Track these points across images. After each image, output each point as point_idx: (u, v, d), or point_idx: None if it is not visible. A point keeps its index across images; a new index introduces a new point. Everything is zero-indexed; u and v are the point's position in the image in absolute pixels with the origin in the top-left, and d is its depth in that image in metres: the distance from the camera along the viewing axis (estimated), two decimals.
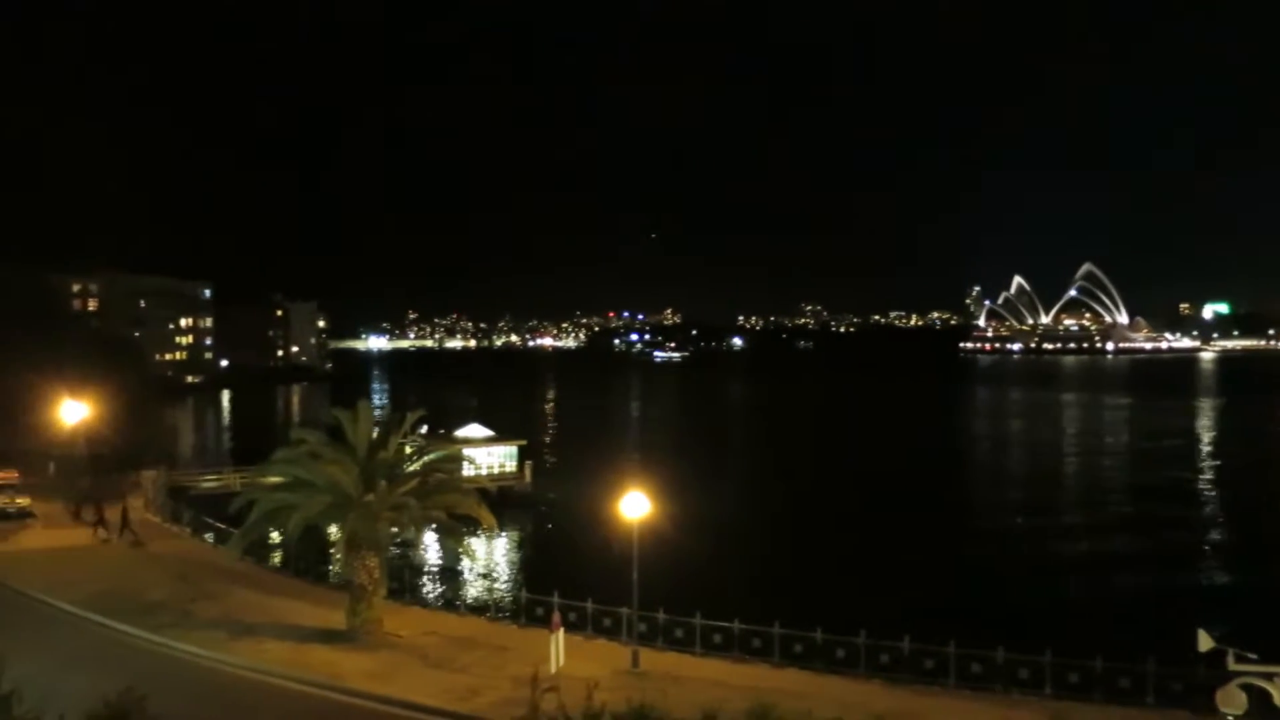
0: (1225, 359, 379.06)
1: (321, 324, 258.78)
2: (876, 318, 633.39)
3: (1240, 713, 14.77)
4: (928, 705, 22.93)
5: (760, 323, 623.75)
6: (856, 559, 47.77)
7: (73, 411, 47.77)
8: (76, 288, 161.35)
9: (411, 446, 30.32)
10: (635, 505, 25.35)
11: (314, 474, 27.57)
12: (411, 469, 28.98)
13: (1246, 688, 14.65)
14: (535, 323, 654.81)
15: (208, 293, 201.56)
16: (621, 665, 24.76)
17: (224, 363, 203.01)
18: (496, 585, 45.11)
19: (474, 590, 44.08)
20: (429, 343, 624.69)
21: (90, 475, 48.05)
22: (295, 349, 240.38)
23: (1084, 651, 23.37)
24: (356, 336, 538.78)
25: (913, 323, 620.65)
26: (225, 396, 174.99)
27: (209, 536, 41.44)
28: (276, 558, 40.21)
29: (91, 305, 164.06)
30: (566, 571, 37.18)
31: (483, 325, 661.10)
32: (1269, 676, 14.41)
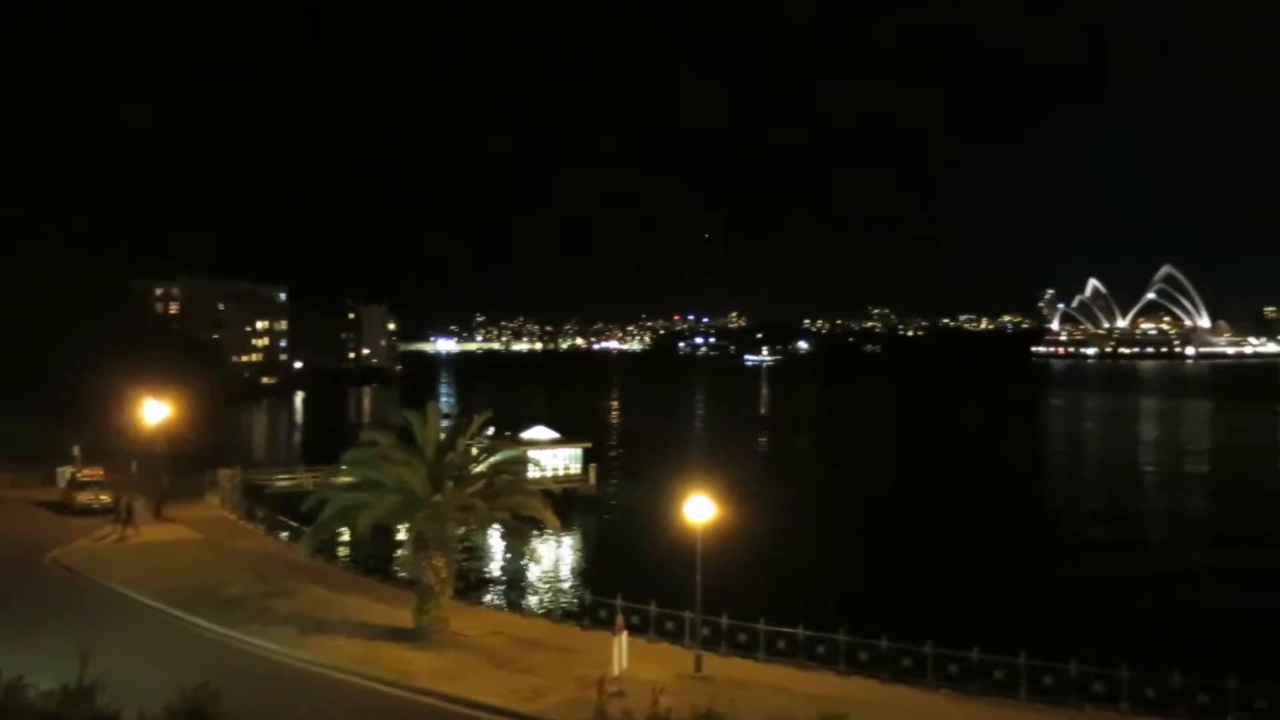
0: None
1: (392, 327, 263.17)
2: (946, 321, 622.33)
3: None
4: (998, 718, 22.47)
5: (827, 326, 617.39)
6: (923, 566, 47.02)
7: (155, 411, 49.25)
8: (160, 291, 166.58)
9: (478, 448, 30.59)
10: (699, 508, 25.30)
11: (384, 474, 28.00)
12: (478, 470, 29.24)
13: None
14: (601, 326, 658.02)
15: (283, 296, 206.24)
16: (684, 669, 24.72)
17: (298, 364, 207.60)
18: (561, 587, 45.37)
19: (539, 591, 44.39)
20: (496, 345, 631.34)
21: (170, 474, 49.52)
22: (366, 351, 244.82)
23: (1161, 666, 22.67)
24: (425, 339, 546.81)
25: (983, 326, 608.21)
26: (299, 397, 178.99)
27: (283, 534, 42.37)
28: (346, 555, 41.01)
29: (174, 309, 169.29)
30: (630, 574, 37.17)
31: (549, 328, 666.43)
32: None
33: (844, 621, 25.92)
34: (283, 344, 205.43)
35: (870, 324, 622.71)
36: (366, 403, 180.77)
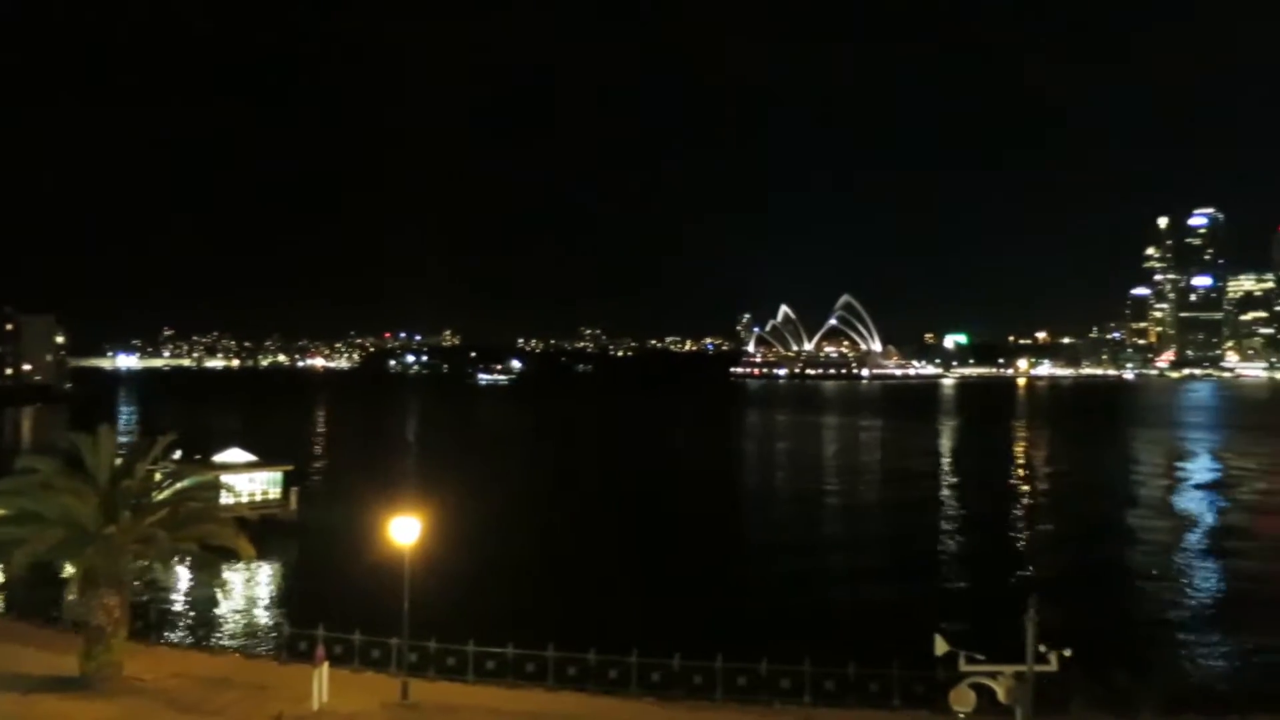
0: (963, 384, 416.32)
1: (60, 339, 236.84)
2: (653, 342, 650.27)
3: (970, 710, 16.17)
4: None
5: (540, 345, 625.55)
6: (629, 578, 48.46)
7: None
8: None
9: (161, 473, 28.24)
10: (405, 530, 24.67)
11: (45, 505, 25.15)
12: (161, 498, 27.10)
13: (976, 687, 16.07)
14: (305, 343, 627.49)
15: None
16: (390, 698, 23.94)
17: None
18: (257, 620, 42.47)
19: (231, 626, 41.27)
20: (187, 362, 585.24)
21: None
22: (28, 367, 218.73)
23: (840, 659, 24.81)
24: (103, 354, 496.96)
25: (688, 348, 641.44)
26: None
27: None
28: None
29: None
30: (334, 602, 35.51)
31: (247, 344, 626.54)
32: (993, 675, 15.87)
33: (553, 637, 26.19)
34: None
35: (582, 344, 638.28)
36: (26, 425, 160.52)
